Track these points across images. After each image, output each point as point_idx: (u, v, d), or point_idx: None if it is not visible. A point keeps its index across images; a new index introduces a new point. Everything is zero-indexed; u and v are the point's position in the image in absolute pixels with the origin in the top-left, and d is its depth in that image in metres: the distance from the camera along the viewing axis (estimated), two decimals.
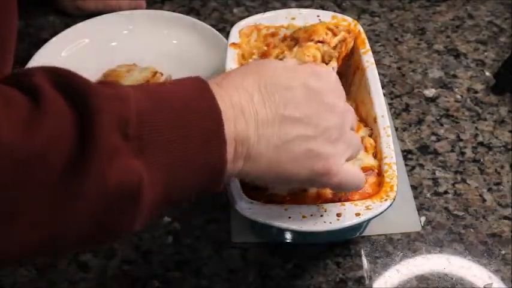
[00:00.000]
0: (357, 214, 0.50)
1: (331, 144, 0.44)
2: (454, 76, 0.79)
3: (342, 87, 0.48)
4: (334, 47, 0.64)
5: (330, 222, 0.50)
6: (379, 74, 0.64)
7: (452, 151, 0.70)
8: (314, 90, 0.44)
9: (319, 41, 0.64)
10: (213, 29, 0.80)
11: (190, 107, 0.38)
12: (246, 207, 0.51)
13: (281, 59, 0.60)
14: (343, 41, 0.65)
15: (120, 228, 0.37)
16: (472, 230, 0.63)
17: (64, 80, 0.35)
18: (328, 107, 0.44)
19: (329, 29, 0.65)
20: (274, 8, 0.75)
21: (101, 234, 0.37)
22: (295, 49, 0.62)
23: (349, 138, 0.46)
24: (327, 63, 0.63)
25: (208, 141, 0.38)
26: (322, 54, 0.64)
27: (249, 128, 0.41)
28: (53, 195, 0.33)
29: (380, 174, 0.55)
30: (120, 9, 0.83)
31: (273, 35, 0.68)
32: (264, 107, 0.42)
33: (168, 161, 0.37)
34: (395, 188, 0.52)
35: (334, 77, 0.48)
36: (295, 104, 0.43)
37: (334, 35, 0.65)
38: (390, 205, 0.51)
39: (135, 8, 0.84)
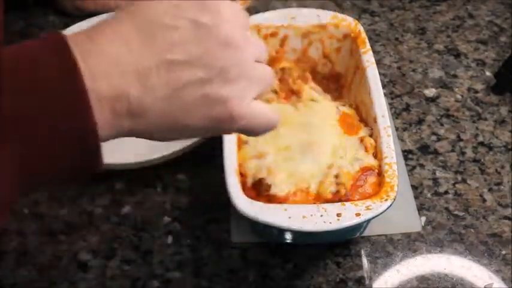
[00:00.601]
0: (357, 214, 0.50)
1: (230, 84, 0.38)
2: (455, 76, 0.79)
3: (243, 17, 0.41)
4: None
5: (330, 222, 0.50)
6: (380, 73, 0.64)
7: (452, 151, 0.70)
8: (203, 25, 0.38)
9: None
10: None
11: (42, 74, 0.33)
12: (246, 207, 0.51)
13: None
14: None
15: None
16: (472, 230, 0.63)
17: None
18: (222, 43, 0.38)
19: None
20: (274, 8, 0.75)
21: None
22: None
23: (253, 73, 0.40)
24: None
25: (69, 107, 0.33)
26: None
27: (127, 80, 0.35)
28: None
29: (380, 174, 0.55)
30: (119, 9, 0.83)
31: (273, 34, 0.68)
32: (145, 53, 0.36)
33: (24, 134, 0.32)
34: (395, 188, 0.52)
35: (229, 6, 0.40)
36: (182, 45, 0.37)
37: None
38: (390, 205, 0.51)
39: None
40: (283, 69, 0.67)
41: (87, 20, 0.81)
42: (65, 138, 0.34)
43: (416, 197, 0.65)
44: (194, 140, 0.66)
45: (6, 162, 0.32)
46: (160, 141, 0.41)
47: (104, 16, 0.85)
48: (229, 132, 0.43)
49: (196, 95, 0.38)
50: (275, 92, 0.63)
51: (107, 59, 0.35)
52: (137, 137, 0.40)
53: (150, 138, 0.40)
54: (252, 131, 0.42)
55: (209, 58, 0.38)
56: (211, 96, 0.38)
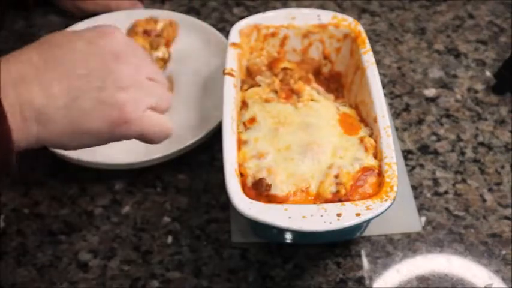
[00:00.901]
0: (357, 214, 0.50)
1: (124, 91, 0.44)
2: (455, 76, 0.79)
3: (134, 44, 0.49)
4: (159, 35, 0.75)
5: (330, 222, 0.50)
6: (380, 73, 0.64)
7: (452, 151, 0.70)
8: (98, 45, 0.45)
9: (144, 32, 0.74)
10: (213, 28, 0.80)
11: None
12: (246, 207, 0.50)
13: None
14: (169, 26, 0.76)
15: None
16: (472, 230, 0.63)
17: None
18: (115, 58, 0.45)
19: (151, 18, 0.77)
20: (274, 8, 0.75)
21: None
22: None
23: (145, 85, 0.46)
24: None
25: None
26: (150, 43, 0.73)
27: (32, 90, 0.41)
28: None
29: (380, 174, 0.55)
30: (119, 9, 0.83)
31: (273, 35, 0.68)
32: (46, 67, 0.42)
33: None
34: (395, 188, 0.52)
35: (122, 36, 0.48)
36: (79, 61, 0.43)
37: (155, 23, 0.76)
38: (390, 205, 0.51)
39: (134, 8, 0.84)
40: (284, 70, 0.67)
41: (87, 20, 0.81)
42: None
43: (416, 197, 0.65)
44: (194, 140, 0.66)
45: None
46: (71, 149, 0.46)
47: (103, 17, 0.86)
48: (128, 137, 0.47)
49: (93, 102, 0.43)
50: (275, 92, 0.63)
51: (14, 74, 0.41)
52: (48, 146, 0.45)
53: (61, 147, 0.45)
54: (148, 137, 0.47)
55: (104, 70, 0.44)
56: (107, 102, 0.43)
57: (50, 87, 0.42)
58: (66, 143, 0.44)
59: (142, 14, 0.82)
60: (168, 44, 0.78)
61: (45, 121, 0.41)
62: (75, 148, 0.45)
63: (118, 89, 0.44)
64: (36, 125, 0.41)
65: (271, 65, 0.68)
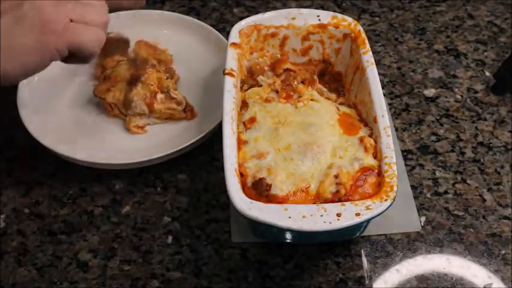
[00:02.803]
0: (357, 214, 0.50)
1: (49, 5, 0.45)
2: (454, 76, 0.79)
3: None
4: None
5: (330, 222, 0.50)
6: (379, 74, 0.64)
7: (452, 151, 0.70)
8: None
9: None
10: (213, 29, 0.80)
11: None
12: (246, 207, 0.51)
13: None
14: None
15: None
16: (472, 230, 0.63)
17: None
18: None
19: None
20: (274, 8, 0.75)
21: None
22: None
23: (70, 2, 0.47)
24: None
25: None
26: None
27: None
28: None
29: (380, 174, 0.55)
30: (120, 8, 0.83)
31: (273, 35, 0.68)
32: None
33: None
34: (395, 188, 0.52)
35: None
36: None
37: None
38: (390, 205, 0.51)
39: (135, 8, 0.84)
40: (287, 71, 0.67)
41: None
42: None
43: (416, 197, 0.65)
44: (194, 140, 0.66)
45: None
46: (14, 77, 0.46)
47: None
48: (60, 49, 0.47)
49: (18, 19, 0.43)
50: (276, 91, 0.63)
51: None
52: None
53: (3, 76, 0.45)
54: (82, 49, 0.47)
55: None
56: (31, 17, 0.44)
57: None
58: (5, 67, 0.44)
59: (143, 14, 0.82)
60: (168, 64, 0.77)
61: None
62: (18, 75, 0.46)
63: (42, 5, 0.45)
64: None
65: (273, 66, 0.68)
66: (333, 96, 0.66)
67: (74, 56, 0.49)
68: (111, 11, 0.83)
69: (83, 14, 0.48)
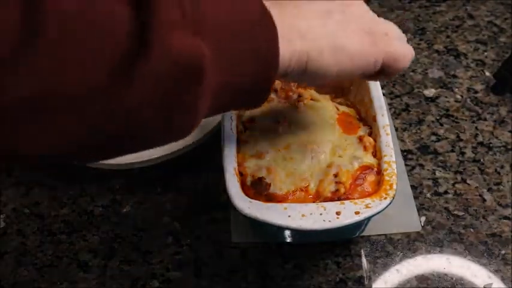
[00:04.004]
0: (357, 212, 0.50)
1: (375, 23, 0.48)
2: (454, 76, 0.79)
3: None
4: None
5: (330, 221, 0.50)
6: None
7: (452, 151, 0.70)
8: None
9: None
10: None
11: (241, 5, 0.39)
12: (246, 207, 0.50)
13: None
14: None
15: (184, 110, 0.36)
16: (472, 230, 0.63)
17: None
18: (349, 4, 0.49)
19: None
20: None
21: (166, 121, 0.36)
22: None
23: (384, 23, 0.51)
24: None
25: (262, 24, 0.40)
26: None
27: (295, 19, 0.44)
28: (121, 69, 0.33)
29: (379, 172, 0.55)
30: None
31: None
32: (307, 7, 0.46)
33: (225, 43, 0.37)
34: (394, 186, 0.52)
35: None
36: (328, 4, 0.47)
37: None
38: (390, 203, 0.51)
39: None
40: None
41: None
42: (257, 56, 0.40)
43: (416, 197, 0.65)
44: (194, 140, 0.66)
45: (210, 79, 0.37)
46: (327, 69, 0.46)
47: None
48: (377, 62, 0.48)
49: (346, 29, 0.46)
50: (275, 91, 0.63)
51: (280, 9, 0.43)
52: (311, 67, 0.45)
53: (320, 63, 0.45)
54: (396, 61, 0.49)
55: (353, 15, 0.47)
56: (356, 29, 0.46)
57: (310, 19, 0.44)
58: (326, 58, 0.45)
59: None
60: None
61: (308, 38, 0.43)
62: (331, 69, 0.46)
63: (371, 22, 0.48)
64: (300, 41, 0.43)
65: None
66: (332, 95, 0.66)
67: (381, 71, 0.50)
68: None
69: (392, 30, 0.50)
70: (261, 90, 0.42)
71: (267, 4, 0.43)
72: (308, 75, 0.45)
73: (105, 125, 0.34)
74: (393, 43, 0.49)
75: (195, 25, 0.35)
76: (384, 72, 0.50)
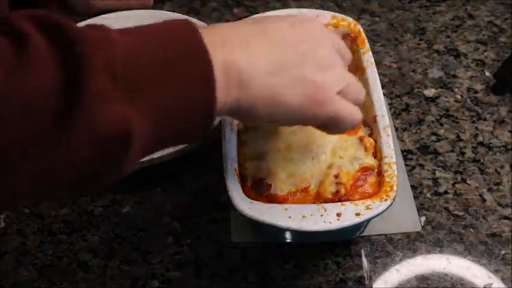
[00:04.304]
0: (357, 214, 0.50)
1: (323, 71, 0.45)
2: (454, 76, 0.79)
3: (333, 35, 0.50)
4: None
5: (330, 222, 0.50)
6: (379, 74, 0.64)
7: (452, 151, 0.70)
8: (301, 28, 0.46)
9: None
10: None
11: (176, 45, 0.39)
12: (246, 208, 0.51)
13: None
14: None
15: (109, 173, 0.38)
16: (472, 230, 0.63)
17: (50, 25, 0.35)
18: (316, 41, 0.46)
19: None
20: (274, 8, 0.75)
21: (90, 179, 0.37)
22: None
23: (342, 72, 0.47)
24: None
25: (196, 78, 0.39)
26: None
27: (236, 53, 0.42)
28: (44, 142, 0.34)
29: (380, 174, 0.55)
30: (129, 7, 0.83)
31: None
32: (255, 35, 0.44)
33: (157, 102, 0.37)
34: (395, 188, 0.52)
35: (321, 25, 0.51)
36: (286, 36, 0.45)
37: None
38: (390, 205, 0.51)
39: (142, 7, 0.84)
40: None
41: (87, 21, 0.81)
42: (190, 108, 0.39)
43: (416, 197, 0.65)
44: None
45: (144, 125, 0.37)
46: (259, 120, 0.45)
47: (104, 16, 0.85)
48: (318, 119, 0.46)
49: (294, 75, 0.44)
50: None
51: (218, 38, 0.41)
52: (239, 114, 0.44)
53: (253, 115, 0.44)
54: (337, 121, 0.47)
55: (307, 49, 0.45)
56: (307, 78, 0.44)
57: (255, 54, 0.42)
58: (259, 111, 0.44)
59: (143, 14, 0.82)
60: None
61: (246, 86, 0.42)
62: (263, 119, 0.45)
63: (318, 69, 0.45)
64: (237, 89, 0.42)
65: None
66: None
67: (323, 125, 0.48)
68: (119, 9, 0.83)
69: (349, 91, 0.48)
70: (197, 136, 0.42)
71: (219, 29, 0.43)
72: (240, 119, 0.47)
73: (46, 177, 0.36)
74: (341, 105, 0.46)
75: (126, 88, 0.36)
76: (326, 127, 0.48)
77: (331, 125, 0.47)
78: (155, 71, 0.37)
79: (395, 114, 0.74)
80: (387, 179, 0.53)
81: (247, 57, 0.42)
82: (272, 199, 0.53)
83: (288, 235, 0.58)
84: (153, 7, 0.88)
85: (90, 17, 0.82)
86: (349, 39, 0.67)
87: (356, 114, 0.48)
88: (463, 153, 0.70)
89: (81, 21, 0.81)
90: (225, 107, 0.41)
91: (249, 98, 0.42)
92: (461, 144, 0.71)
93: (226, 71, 0.40)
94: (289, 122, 0.47)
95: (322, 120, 0.46)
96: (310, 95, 0.44)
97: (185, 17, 0.41)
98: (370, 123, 0.60)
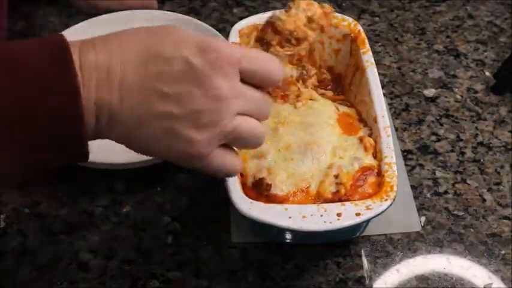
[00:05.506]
0: (357, 214, 0.50)
1: (198, 129, 0.41)
2: (454, 76, 0.79)
3: (236, 68, 0.42)
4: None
5: (330, 222, 0.50)
6: (379, 74, 0.64)
7: (452, 151, 0.70)
8: (195, 68, 0.40)
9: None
10: (213, 29, 0.80)
11: (40, 79, 0.37)
12: (246, 207, 0.51)
13: None
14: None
15: None
16: (472, 230, 0.63)
17: None
18: (205, 90, 0.40)
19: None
20: (274, 8, 0.75)
21: None
22: None
23: (228, 125, 0.42)
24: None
25: (62, 113, 0.37)
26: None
27: (112, 92, 0.39)
28: None
29: (380, 174, 0.55)
30: (132, 8, 0.83)
31: None
32: (134, 73, 0.40)
33: (18, 141, 0.37)
34: (395, 188, 0.52)
35: (230, 53, 0.42)
36: (168, 79, 0.40)
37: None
38: (390, 205, 0.51)
39: (146, 7, 0.84)
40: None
41: (87, 21, 0.81)
42: (55, 145, 0.38)
43: (416, 197, 0.65)
44: None
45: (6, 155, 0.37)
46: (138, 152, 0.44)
47: (104, 17, 0.85)
48: (191, 167, 0.44)
49: (163, 126, 0.40)
50: (267, 92, 0.63)
51: (101, 68, 0.39)
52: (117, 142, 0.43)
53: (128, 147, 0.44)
54: (214, 173, 0.45)
55: (188, 99, 0.40)
56: (177, 133, 0.41)
57: (130, 94, 0.40)
58: (131, 148, 0.44)
59: (143, 14, 0.82)
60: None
61: (115, 127, 0.41)
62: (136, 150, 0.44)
63: (193, 124, 0.41)
64: (107, 128, 0.40)
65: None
66: (330, 93, 0.66)
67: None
68: (123, 10, 0.83)
69: (237, 141, 0.44)
70: (70, 162, 0.41)
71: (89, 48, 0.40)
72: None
73: None
74: (210, 160, 0.43)
75: None
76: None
77: (209, 174, 0.45)
78: (17, 108, 0.36)
79: (395, 114, 0.74)
80: (387, 179, 0.53)
81: (121, 97, 0.39)
82: (272, 199, 0.53)
83: (288, 235, 0.58)
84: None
85: (91, 17, 0.82)
86: (349, 39, 0.67)
87: (232, 165, 0.45)
88: (463, 153, 0.70)
89: (82, 21, 0.81)
90: (96, 138, 0.41)
91: (118, 138, 0.42)
92: (461, 144, 0.71)
93: (98, 110, 0.39)
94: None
95: (199, 166, 0.44)
96: (176, 150, 0.42)
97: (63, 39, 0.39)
98: (370, 123, 0.60)
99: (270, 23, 0.60)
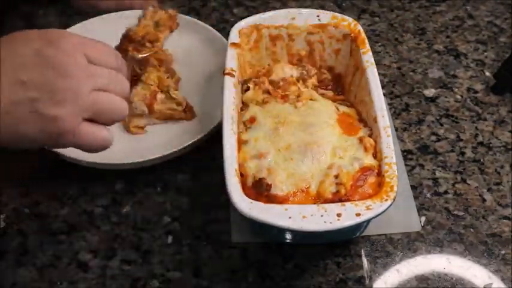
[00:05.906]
0: (357, 214, 0.50)
1: (57, 106, 0.46)
2: (454, 76, 0.79)
3: (81, 52, 0.48)
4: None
5: (330, 222, 0.50)
6: (379, 74, 0.64)
7: (452, 151, 0.70)
8: (46, 57, 0.46)
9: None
10: (213, 29, 0.80)
11: None
12: (246, 207, 0.51)
13: None
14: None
15: None
16: (472, 230, 0.63)
17: None
18: (60, 72, 0.46)
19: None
20: (274, 8, 0.75)
21: None
22: None
23: (84, 100, 0.47)
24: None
25: None
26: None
27: None
28: None
29: (380, 174, 0.55)
30: (132, 8, 0.83)
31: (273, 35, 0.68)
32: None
33: None
34: (395, 188, 0.52)
35: (71, 41, 0.48)
36: (23, 69, 0.45)
37: None
38: (390, 205, 0.51)
39: (147, 8, 0.84)
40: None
41: (87, 21, 0.81)
42: None
43: (416, 197, 0.65)
44: (194, 140, 0.66)
45: None
46: (11, 146, 0.47)
47: (104, 17, 0.85)
48: (65, 146, 0.49)
49: (27, 110, 0.45)
50: (268, 92, 0.63)
51: None
52: None
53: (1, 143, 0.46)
54: (83, 148, 0.49)
55: (44, 82, 0.45)
56: (40, 113, 0.45)
57: None
58: (5, 142, 0.46)
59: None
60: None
61: None
62: (15, 146, 0.47)
63: (53, 103, 0.45)
64: None
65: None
66: (330, 93, 0.66)
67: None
68: (123, 10, 0.83)
69: (98, 115, 0.49)
70: None
71: None
72: None
73: None
74: (79, 134, 0.48)
75: None
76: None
77: (81, 149, 0.49)
78: None
79: (395, 114, 0.74)
80: (387, 179, 0.53)
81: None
82: (272, 199, 0.53)
83: (288, 235, 0.58)
84: None
85: (91, 17, 0.82)
86: (349, 39, 0.67)
87: (100, 138, 0.49)
88: (463, 153, 0.70)
89: (82, 21, 0.81)
90: None
91: None
92: (461, 144, 0.71)
93: None
94: (42, 146, 0.49)
95: (70, 146, 0.48)
96: (46, 130, 0.46)
97: None
98: (370, 123, 0.60)
99: (125, 36, 0.73)
